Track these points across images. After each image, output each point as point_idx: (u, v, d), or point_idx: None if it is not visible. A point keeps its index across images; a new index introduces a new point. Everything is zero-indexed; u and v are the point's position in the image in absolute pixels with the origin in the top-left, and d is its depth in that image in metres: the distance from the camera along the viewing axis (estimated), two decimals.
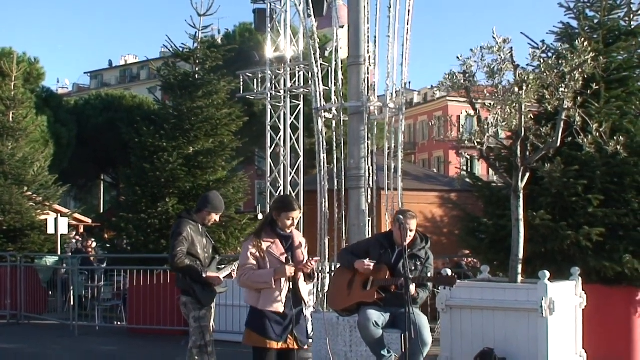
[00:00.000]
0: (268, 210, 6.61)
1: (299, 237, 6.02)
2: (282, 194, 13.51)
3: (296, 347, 5.79)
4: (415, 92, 67.86)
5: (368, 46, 9.20)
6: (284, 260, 5.74)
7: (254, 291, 5.78)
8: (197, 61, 14.53)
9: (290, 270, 5.67)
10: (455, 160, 38.92)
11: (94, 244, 19.20)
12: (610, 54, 9.88)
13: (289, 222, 5.83)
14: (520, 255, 7.53)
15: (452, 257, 13.63)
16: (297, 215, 5.91)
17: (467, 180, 11.60)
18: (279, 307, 5.68)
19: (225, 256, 10.89)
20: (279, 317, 5.69)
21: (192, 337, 6.75)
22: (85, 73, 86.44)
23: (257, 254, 5.74)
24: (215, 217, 7.07)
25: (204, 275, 6.68)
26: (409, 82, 75.62)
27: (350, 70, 9.14)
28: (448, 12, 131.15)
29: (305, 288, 5.93)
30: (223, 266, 7.20)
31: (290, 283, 5.77)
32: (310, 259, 5.89)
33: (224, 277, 6.99)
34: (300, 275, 5.83)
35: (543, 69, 7.49)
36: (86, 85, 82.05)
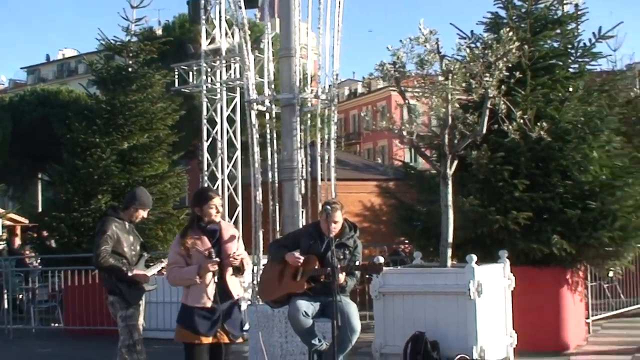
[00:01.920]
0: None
1: (229, 230, 5.98)
2: (219, 187, 13.47)
3: (227, 341, 5.79)
4: (358, 82, 68.25)
5: (299, 38, 9.22)
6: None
7: (184, 288, 5.82)
8: (131, 54, 14.34)
9: (212, 265, 5.67)
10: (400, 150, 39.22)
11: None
12: (537, 42, 10.12)
13: (213, 211, 5.82)
14: (450, 241, 7.70)
15: (390, 245, 13.81)
16: (218, 201, 5.90)
17: (403, 169, 11.78)
18: (206, 302, 5.68)
19: (160, 253, 10.82)
20: (206, 312, 5.69)
21: (121, 337, 6.70)
22: (21, 68, 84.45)
23: (183, 252, 5.75)
24: (143, 214, 7.00)
25: (129, 274, 6.61)
26: (353, 73, 76.27)
27: (282, 62, 9.16)
28: (395, 2, 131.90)
29: (234, 281, 5.90)
30: (152, 263, 7.14)
31: (217, 277, 5.75)
32: (236, 253, 5.83)
33: (153, 274, 6.94)
34: (229, 269, 5.82)
35: (469, 59, 7.66)
36: (23, 81, 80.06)
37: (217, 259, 5.70)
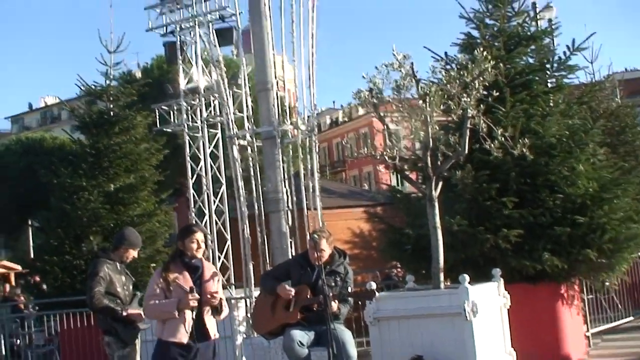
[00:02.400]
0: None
1: (210, 269, 5.95)
2: (207, 223, 13.46)
3: None
4: (339, 110, 68.42)
5: (275, 71, 9.30)
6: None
7: (159, 322, 5.72)
8: (111, 98, 14.46)
9: (193, 300, 5.60)
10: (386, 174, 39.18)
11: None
12: (512, 60, 10.21)
13: (194, 245, 5.78)
14: (441, 262, 7.67)
15: (383, 270, 13.77)
16: (200, 237, 5.84)
17: (389, 193, 11.78)
18: (182, 338, 5.59)
19: None
20: (182, 350, 5.60)
21: None
22: (5, 118, 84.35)
23: (164, 284, 5.69)
24: (134, 254, 6.99)
25: (124, 314, 6.59)
26: (333, 102, 76.62)
27: (260, 97, 9.23)
28: (370, 29, 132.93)
29: (211, 321, 5.84)
30: None
31: (194, 314, 5.65)
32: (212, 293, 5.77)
33: None
34: (207, 309, 5.76)
35: (446, 81, 7.72)
36: (7, 130, 79.95)
37: (198, 296, 5.62)
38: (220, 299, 5.79)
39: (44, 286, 14.37)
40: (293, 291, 6.45)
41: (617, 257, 9.31)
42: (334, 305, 6.24)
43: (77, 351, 12.03)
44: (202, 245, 5.85)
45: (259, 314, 6.81)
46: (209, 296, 5.70)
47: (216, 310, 5.81)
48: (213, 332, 5.85)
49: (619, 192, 9.38)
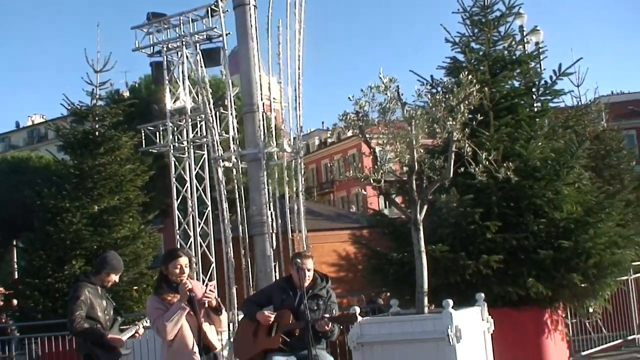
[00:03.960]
0: None
1: (198, 286, 5.92)
2: (192, 245, 13.36)
3: None
4: (328, 131, 68.62)
5: (262, 93, 9.29)
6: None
7: (165, 349, 5.66)
8: (97, 118, 14.41)
9: (187, 285, 5.57)
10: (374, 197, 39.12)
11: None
12: (497, 84, 10.24)
13: (177, 270, 5.74)
14: (425, 287, 7.62)
15: (368, 294, 13.71)
16: (184, 261, 5.79)
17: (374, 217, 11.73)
18: (191, 348, 5.57)
19: (136, 315, 10.64)
20: None
21: None
22: None
23: (163, 307, 5.64)
24: (115, 278, 6.90)
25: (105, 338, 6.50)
26: (322, 123, 76.85)
27: (246, 118, 9.21)
28: (361, 50, 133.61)
29: (213, 333, 5.80)
30: (127, 327, 7.01)
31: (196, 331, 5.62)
32: (207, 285, 5.77)
33: (127, 338, 6.81)
34: (204, 323, 5.70)
35: (431, 104, 7.71)
36: None
37: (189, 283, 5.60)
38: (216, 297, 5.75)
39: (38, 310, 14.12)
40: (272, 317, 6.39)
41: (601, 283, 9.29)
42: (329, 325, 6.17)
43: None
44: (186, 269, 5.80)
45: (241, 339, 6.73)
46: (206, 294, 5.64)
47: (216, 310, 5.74)
48: (215, 343, 5.81)
49: (603, 216, 9.38)
